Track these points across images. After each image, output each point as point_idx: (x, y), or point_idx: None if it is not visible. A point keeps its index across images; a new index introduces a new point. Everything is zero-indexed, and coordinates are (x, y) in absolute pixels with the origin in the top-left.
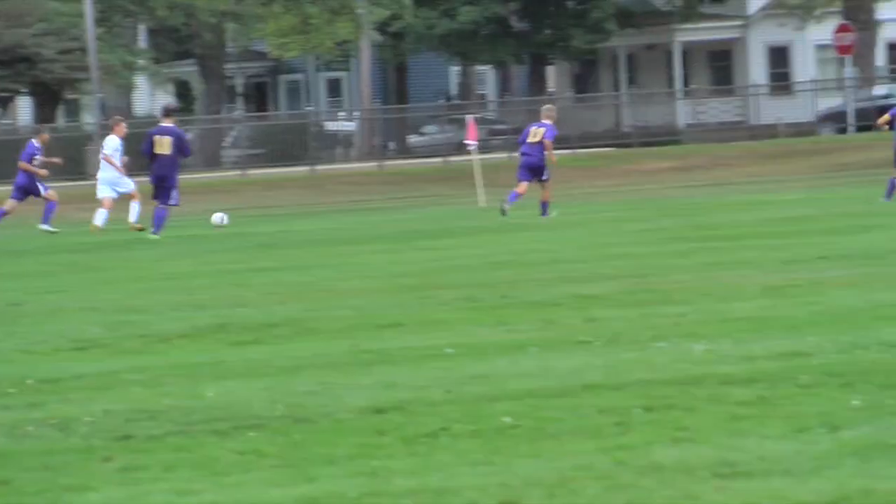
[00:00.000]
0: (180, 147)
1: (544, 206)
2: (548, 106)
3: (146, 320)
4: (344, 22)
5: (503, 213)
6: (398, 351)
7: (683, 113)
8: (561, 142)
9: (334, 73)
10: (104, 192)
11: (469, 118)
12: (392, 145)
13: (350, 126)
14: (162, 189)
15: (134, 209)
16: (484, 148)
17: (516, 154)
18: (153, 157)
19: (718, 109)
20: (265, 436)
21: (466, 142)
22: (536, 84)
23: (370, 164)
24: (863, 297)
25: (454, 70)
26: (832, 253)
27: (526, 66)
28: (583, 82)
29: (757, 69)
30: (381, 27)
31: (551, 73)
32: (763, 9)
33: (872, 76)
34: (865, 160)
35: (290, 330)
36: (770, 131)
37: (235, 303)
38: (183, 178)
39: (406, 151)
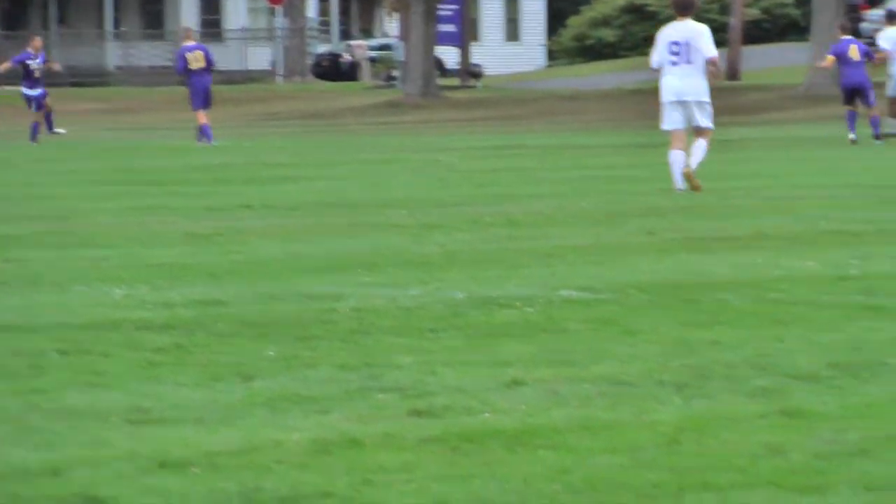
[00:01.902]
0: None
1: (206, 131)
2: (186, 27)
3: None
4: None
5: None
6: None
7: (114, 55)
8: None
9: None
10: None
11: None
12: None
13: None
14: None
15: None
16: None
17: None
18: None
19: (149, 53)
20: None
21: None
22: None
23: None
24: (282, 248)
25: None
26: (255, 202)
27: None
28: (13, 20)
29: (189, 15)
30: None
31: None
32: None
33: (303, 27)
34: (293, 110)
35: None
36: None
37: None
38: None
39: None
